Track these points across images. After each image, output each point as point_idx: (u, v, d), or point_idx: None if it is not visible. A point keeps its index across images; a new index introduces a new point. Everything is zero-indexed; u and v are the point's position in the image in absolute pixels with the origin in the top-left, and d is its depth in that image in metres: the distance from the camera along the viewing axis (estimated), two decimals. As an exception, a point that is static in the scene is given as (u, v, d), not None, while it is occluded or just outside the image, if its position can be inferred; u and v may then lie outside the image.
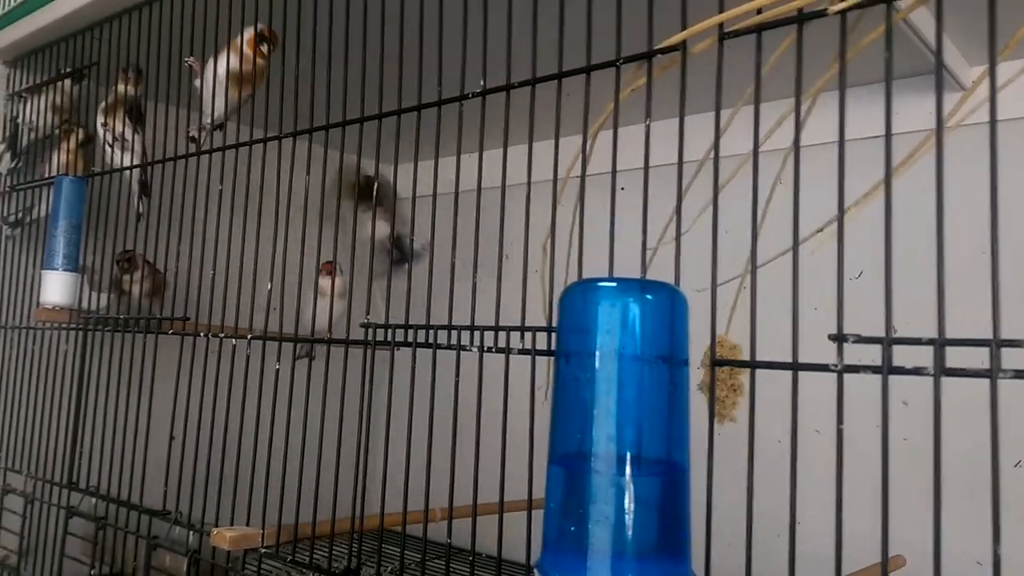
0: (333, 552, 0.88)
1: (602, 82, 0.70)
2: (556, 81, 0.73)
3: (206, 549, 1.00)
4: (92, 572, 1.17)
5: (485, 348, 0.75)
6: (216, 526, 0.93)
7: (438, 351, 0.79)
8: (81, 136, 1.35)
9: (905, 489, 0.77)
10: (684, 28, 0.63)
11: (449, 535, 0.75)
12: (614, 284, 0.56)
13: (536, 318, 0.74)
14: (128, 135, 1.25)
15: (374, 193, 0.96)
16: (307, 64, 0.94)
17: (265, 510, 0.91)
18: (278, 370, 0.93)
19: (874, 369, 0.50)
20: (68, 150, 1.34)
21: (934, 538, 0.47)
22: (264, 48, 1.05)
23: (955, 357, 0.49)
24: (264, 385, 0.94)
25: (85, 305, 1.28)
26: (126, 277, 1.29)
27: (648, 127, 0.64)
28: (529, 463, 0.68)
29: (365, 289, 0.86)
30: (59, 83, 1.38)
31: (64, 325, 1.27)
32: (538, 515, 0.67)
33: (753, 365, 0.57)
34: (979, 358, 0.47)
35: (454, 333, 0.77)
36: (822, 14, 0.55)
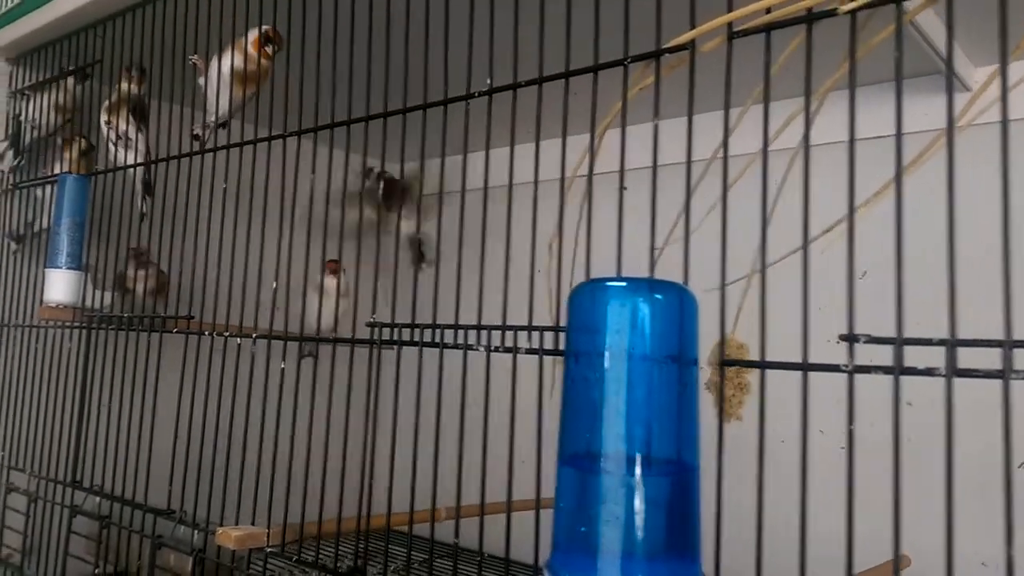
0: (339, 551, 0.88)
1: (609, 81, 0.70)
2: (563, 80, 0.72)
3: (211, 548, 1.00)
4: (96, 571, 1.17)
5: (492, 347, 0.75)
6: (221, 525, 0.93)
7: (444, 350, 0.79)
8: (83, 145, 1.35)
9: (909, 490, 0.76)
10: (692, 27, 0.63)
11: (456, 534, 0.75)
12: (624, 284, 0.56)
13: (541, 317, 0.74)
14: (132, 133, 1.25)
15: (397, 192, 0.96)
16: (312, 62, 0.94)
17: (271, 509, 0.91)
18: (283, 369, 0.93)
19: (886, 370, 0.50)
20: (70, 159, 1.34)
21: (946, 539, 0.46)
22: (269, 49, 1.05)
23: (963, 358, 0.49)
24: (269, 384, 0.94)
25: (89, 303, 1.28)
26: (135, 273, 1.29)
27: (656, 126, 0.64)
28: (537, 463, 0.68)
29: (374, 288, 0.86)
30: (62, 82, 1.38)
31: (68, 323, 1.27)
32: (546, 515, 0.67)
33: (763, 365, 0.57)
34: (985, 358, 0.47)
35: (460, 332, 0.77)
36: (832, 14, 0.55)
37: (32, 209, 1.42)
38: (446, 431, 0.76)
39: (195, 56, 1.11)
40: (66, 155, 1.36)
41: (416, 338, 0.81)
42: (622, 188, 0.67)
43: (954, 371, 0.47)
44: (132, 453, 1.12)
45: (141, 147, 1.26)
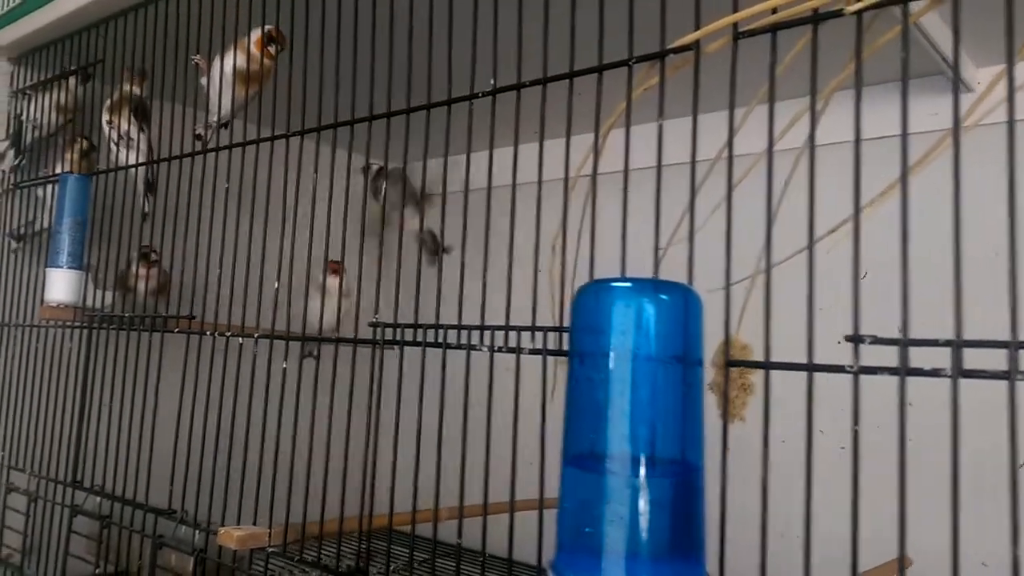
0: (341, 552, 0.88)
1: (613, 81, 0.70)
2: (568, 81, 0.72)
3: (212, 548, 1.00)
4: (97, 571, 1.17)
5: (495, 348, 0.75)
6: (222, 525, 0.93)
7: (447, 350, 0.79)
8: (84, 146, 1.35)
9: (909, 490, 0.76)
10: (698, 27, 0.63)
11: (459, 534, 0.75)
12: (629, 284, 0.56)
13: (544, 318, 0.74)
14: (133, 133, 1.25)
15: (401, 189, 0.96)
16: (316, 61, 0.94)
17: (272, 510, 0.91)
18: (285, 369, 0.93)
19: (891, 371, 0.50)
20: (71, 160, 1.34)
21: (952, 539, 0.46)
22: (272, 49, 1.05)
23: (968, 358, 0.49)
24: (271, 384, 0.94)
25: (90, 303, 1.28)
26: (142, 272, 1.29)
27: (661, 127, 0.64)
28: (540, 463, 0.68)
29: (377, 288, 0.86)
30: (64, 82, 1.38)
31: (68, 323, 1.27)
32: (549, 516, 0.67)
33: (767, 366, 0.57)
34: (989, 360, 0.47)
35: (463, 332, 0.77)
36: (838, 14, 0.55)
37: (33, 209, 1.42)
38: (448, 431, 0.76)
39: (198, 56, 1.10)
40: (67, 155, 1.36)
41: (419, 338, 0.81)
42: (627, 187, 0.67)
43: (960, 372, 0.47)
44: (133, 453, 1.12)
45: (143, 147, 1.26)
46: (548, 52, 0.74)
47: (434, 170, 0.83)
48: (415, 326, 0.81)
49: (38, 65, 1.47)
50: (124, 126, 1.25)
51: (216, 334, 1.03)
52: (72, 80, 1.37)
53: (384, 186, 0.98)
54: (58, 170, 1.35)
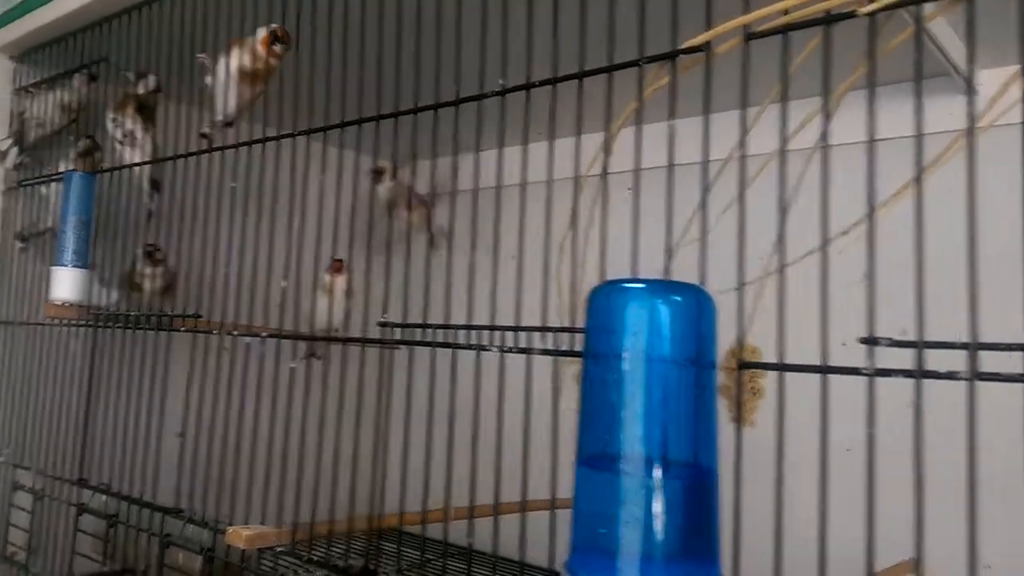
0: (350, 551, 0.88)
1: (623, 81, 0.70)
2: (578, 81, 0.72)
3: (220, 547, 1.00)
4: (104, 569, 1.17)
5: (505, 348, 0.75)
6: (230, 524, 0.93)
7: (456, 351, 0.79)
8: (88, 144, 1.35)
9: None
10: (709, 28, 0.62)
11: (470, 534, 0.75)
12: (642, 285, 0.56)
13: (552, 318, 0.74)
14: (138, 133, 1.25)
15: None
16: (323, 61, 0.93)
17: (281, 509, 0.91)
18: (293, 368, 0.93)
19: (907, 373, 0.50)
20: (73, 159, 1.34)
21: (968, 542, 0.47)
22: (277, 48, 1.04)
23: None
24: (278, 383, 0.94)
25: (95, 301, 1.28)
26: (147, 270, 1.29)
27: (672, 127, 0.64)
28: (552, 464, 0.68)
29: (386, 288, 0.86)
30: (68, 81, 1.38)
31: (73, 321, 1.27)
32: (560, 517, 0.67)
33: (781, 368, 0.57)
34: (997, 362, 0.48)
35: (473, 333, 0.77)
36: (851, 16, 0.55)
37: (37, 209, 1.42)
38: (458, 431, 0.76)
39: (203, 54, 1.10)
40: (71, 154, 1.35)
41: (428, 338, 0.81)
42: (638, 188, 0.67)
43: (976, 375, 0.47)
44: (140, 452, 1.12)
45: (148, 146, 1.26)
46: (558, 52, 0.73)
47: (442, 170, 0.83)
48: (424, 326, 0.82)
49: (40, 63, 1.46)
50: (128, 125, 1.25)
51: (223, 333, 1.03)
52: (76, 79, 1.37)
53: (388, 186, 0.98)
54: (61, 168, 1.35)
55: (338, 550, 0.89)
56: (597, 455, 0.56)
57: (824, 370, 0.54)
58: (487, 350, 0.76)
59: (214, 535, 1.00)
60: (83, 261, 1.26)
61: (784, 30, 0.59)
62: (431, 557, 1.04)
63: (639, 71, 0.67)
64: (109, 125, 1.28)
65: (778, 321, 0.57)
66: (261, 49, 1.05)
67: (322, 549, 0.90)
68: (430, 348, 0.81)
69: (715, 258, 0.63)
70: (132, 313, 1.17)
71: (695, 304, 0.57)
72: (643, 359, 0.55)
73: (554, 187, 0.74)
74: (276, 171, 0.98)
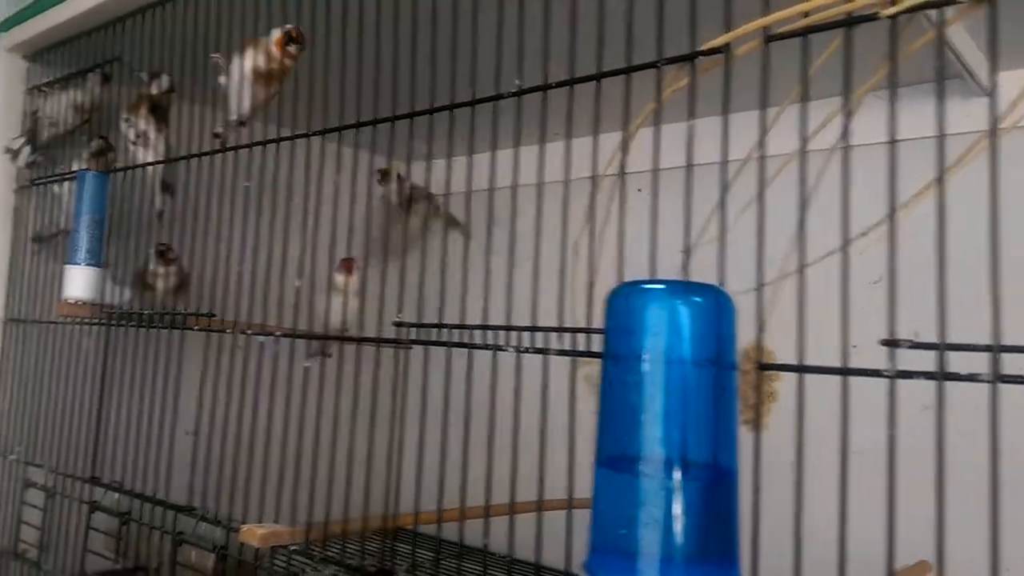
0: (365, 550, 0.88)
1: (640, 82, 0.70)
2: (595, 82, 0.72)
3: (232, 545, 1.00)
4: (116, 567, 1.17)
5: (522, 348, 0.75)
6: (243, 522, 0.93)
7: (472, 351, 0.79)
8: (101, 145, 1.35)
9: (928, 495, 0.77)
10: (728, 29, 0.62)
11: (486, 534, 0.75)
12: (662, 286, 0.57)
13: (567, 318, 0.74)
14: (151, 133, 1.25)
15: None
16: (337, 61, 0.94)
17: (295, 508, 0.91)
18: (307, 367, 0.93)
19: (928, 375, 0.50)
20: (86, 159, 1.35)
21: (990, 544, 0.47)
22: (292, 49, 1.04)
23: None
24: (292, 382, 0.95)
25: (108, 300, 1.28)
26: (160, 270, 1.29)
27: (691, 128, 0.64)
28: (569, 465, 0.68)
29: (400, 287, 0.86)
30: (81, 80, 1.38)
31: (86, 320, 1.28)
32: (577, 519, 0.67)
33: (800, 369, 0.57)
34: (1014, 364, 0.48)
35: (489, 333, 0.77)
36: (873, 18, 0.55)
37: (51, 209, 1.43)
38: (473, 431, 0.76)
39: (217, 54, 1.10)
40: (84, 153, 1.36)
41: (443, 338, 0.81)
42: (656, 188, 0.67)
43: (998, 377, 0.47)
44: (152, 450, 1.13)
45: (160, 147, 1.26)
46: (575, 52, 0.73)
47: (458, 169, 0.83)
48: (439, 326, 0.82)
49: (53, 62, 1.47)
50: (142, 125, 1.25)
51: (236, 332, 1.03)
52: (90, 79, 1.37)
53: (393, 188, 0.98)
54: (74, 168, 1.35)
55: (352, 549, 0.90)
56: (617, 456, 0.56)
57: (845, 372, 0.54)
58: (503, 350, 0.76)
59: (227, 533, 1.00)
60: (96, 260, 1.27)
61: (805, 32, 0.59)
62: (445, 558, 1.04)
63: (657, 72, 0.67)
64: (122, 125, 1.29)
65: (798, 323, 0.57)
66: (276, 50, 1.05)
67: (336, 548, 0.90)
68: (445, 348, 0.81)
69: (731, 259, 0.63)
70: (146, 312, 1.18)
71: (715, 305, 0.57)
72: (663, 360, 0.55)
73: (570, 187, 0.74)
74: (291, 171, 0.99)
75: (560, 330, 0.73)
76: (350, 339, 0.92)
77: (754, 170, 0.63)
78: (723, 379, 0.56)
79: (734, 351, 0.57)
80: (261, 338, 1.00)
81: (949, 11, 0.54)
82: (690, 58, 0.65)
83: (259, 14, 1.05)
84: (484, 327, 0.78)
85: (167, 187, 1.26)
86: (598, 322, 0.67)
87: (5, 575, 1.37)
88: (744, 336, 0.60)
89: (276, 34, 1.05)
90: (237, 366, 1.01)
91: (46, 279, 1.39)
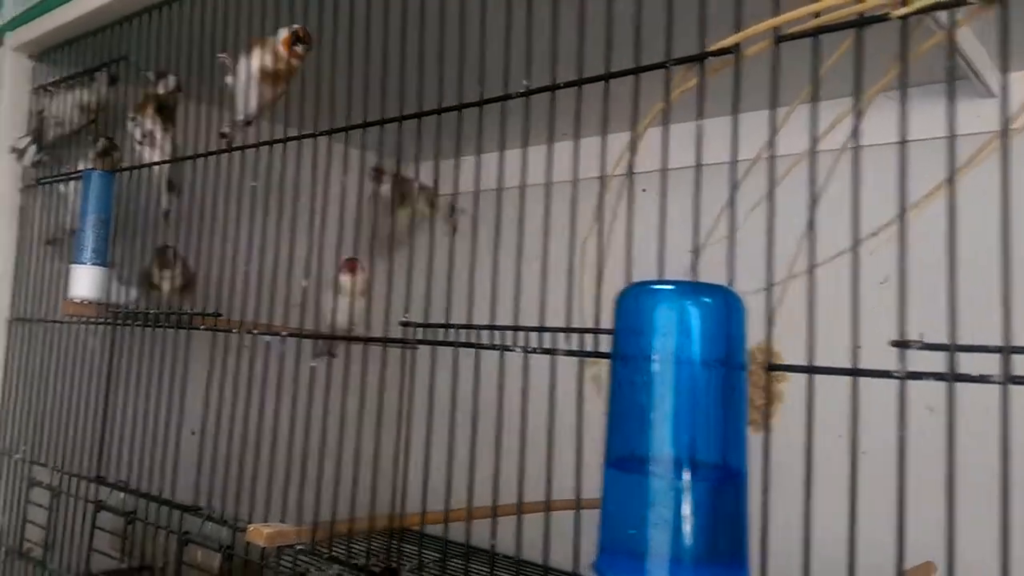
0: (371, 550, 0.88)
1: (648, 82, 0.70)
2: (604, 82, 0.72)
3: (238, 545, 1.00)
4: (121, 566, 1.17)
5: (529, 348, 0.75)
6: (249, 522, 0.93)
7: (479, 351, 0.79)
8: (105, 144, 1.35)
9: (932, 496, 0.77)
10: (738, 30, 0.62)
11: (493, 535, 0.75)
12: (672, 287, 0.57)
13: (574, 318, 0.74)
14: (157, 133, 1.25)
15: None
16: (345, 61, 0.94)
17: (301, 508, 0.91)
18: (314, 367, 0.93)
19: (938, 376, 0.50)
20: (92, 159, 1.35)
21: (1001, 549, 0.46)
22: (299, 49, 1.05)
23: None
24: (297, 381, 0.95)
25: (114, 299, 1.28)
26: (156, 271, 1.29)
27: (700, 127, 0.64)
28: (576, 465, 0.68)
29: (408, 287, 0.86)
30: (87, 80, 1.38)
31: (92, 319, 1.28)
32: (584, 520, 0.67)
33: (810, 370, 0.57)
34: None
35: (497, 333, 0.77)
36: (884, 19, 0.55)
37: (55, 207, 1.43)
38: (480, 431, 0.76)
39: (224, 54, 1.10)
40: (90, 153, 1.36)
41: (451, 338, 0.81)
42: (665, 188, 0.67)
43: (1010, 378, 0.47)
44: (158, 449, 1.13)
45: (167, 147, 1.26)
46: (584, 53, 0.73)
47: (466, 169, 0.82)
48: (447, 326, 0.82)
49: (59, 62, 1.47)
50: (148, 125, 1.26)
51: (243, 332, 1.03)
52: (97, 78, 1.37)
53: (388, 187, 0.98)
54: (80, 167, 1.35)
55: (358, 549, 0.90)
56: (626, 457, 0.56)
57: (855, 373, 0.54)
58: (510, 350, 0.76)
59: (233, 533, 1.01)
60: (102, 259, 1.27)
61: (816, 33, 0.59)
62: (452, 558, 1.04)
63: (666, 73, 0.67)
64: (129, 125, 1.29)
65: (808, 323, 0.56)
66: (283, 49, 1.05)
67: (342, 548, 0.90)
68: (452, 348, 0.81)
69: (738, 259, 0.63)
70: (151, 311, 1.18)
71: (724, 305, 0.57)
72: (672, 361, 0.55)
73: (579, 187, 0.74)
74: (297, 171, 0.99)
75: (568, 330, 0.73)
76: (357, 339, 0.92)
77: (761, 171, 0.63)
78: (732, 379, 0.56)
79: (744, 351, 0.57)
80: (267, 338, 1.00)
81: (960, 12, 0.54)
82: (699, 59, 0.65)
83: (266, 14, 1.05)
84: (491, 327, 0.78)
85: (173, 187, 1.26)
86: (606, 322, 0.67)
87: (10, 574, 1.37)
88: (751, 337, 0.60)
89: (283, 34, 1.05)
90: (243, 366, 1.01)
91: (52, 278, 1.39)
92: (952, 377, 0.50)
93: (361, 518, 0.89)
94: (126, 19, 1.29)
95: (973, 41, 0.99)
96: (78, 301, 1.26)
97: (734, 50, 0.63)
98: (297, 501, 0.92)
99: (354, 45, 0.93)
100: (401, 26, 0.88)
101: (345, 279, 1.32)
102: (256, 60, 1.07)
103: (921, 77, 1.06)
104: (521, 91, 0.78)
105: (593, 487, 0.61)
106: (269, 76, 1.06)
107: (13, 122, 1.48)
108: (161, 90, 1.27)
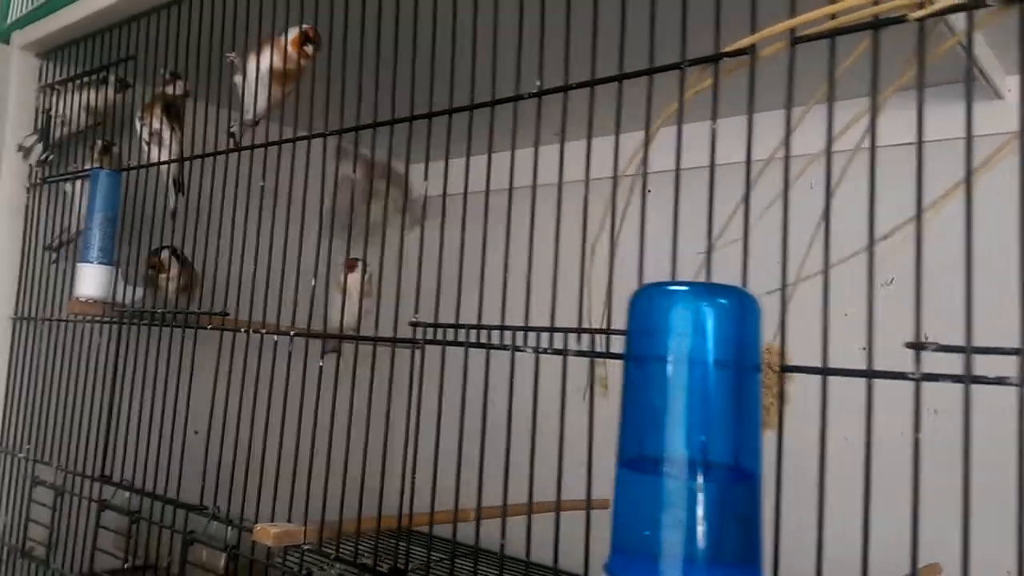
0: (378, 549, 0.88)
1: (662, 82, 0.70)
2: (617, 83, 0.72)
3: (244, 544, 1.00)
4: (125, 566, 1.17)
5: (540, 349, 0.75)
6: (255, 522, 0.93)
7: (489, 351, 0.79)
8: (102, 143, 1.35)
9: (937, 498, 0.76)
10: (753, 30, 0.62)
11: (503, 535, 0.75)
12: (686, 288, 0.56)
13: (584, 318, 0.74)
14: (165, 133, 1.25)
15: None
16: (355, 61, 0.93)
17: (307, 507, 0.91)
18: (321, 367, 0.93)
19: (955, 378, 0.50)
20: (92, 158, 1.35)
21: (1017, 551, 0.46)
22: (308, 49, 1.05)
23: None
24: (305, 381, 0.94)
25: (120, 298, 1.28)
26: (151, 273, 1.29)
27: (714, 131, 0.64)
28: (588, 466, 0.68)
29: (417, 287, 0.86)
30: (94, 79, 1.38)
31: (98, 318, 1.28)
32: (595, 522, 0.67)
33: (824, 372, 0.57)
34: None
35: (507, 333, 0.77)
36: (901, 20, 0.55)
37: (61, 206, 1.43)
38: (490, 432, 0.76)
39: (233, 53, 1.11)
40: (93, 153, 1.36)
41: (461, 338, 0.81)
42: (678, 189, 0.67)
43: (1027, 380, 0.47)
44: (164, 449, 1.13)
45: (174, 147, 1.26)
46: (596, 53, 0.73)
47: (476, 169, 0.82)
48: (456, 326, 0.81)
49: (66, 61, 1.47)
50: (155, 125, 1.26)
51: (250, 331, 1.03)
52: (104, 82, 1.37)
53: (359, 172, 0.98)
54: (86, 167, 1.35)
55: (365, 549, 0.89)
56: (639, 457, 0.56)
57: (869, 375, 0.54)
58: (521, 351, 0.76)
59: (239, 532, 1.00)
60: (108, 258, 1.27)
61: (832, 34, 0.59)
62: (460, 559, 1.04)
63: (681, 73, 0.67)
64: (136, 124, 1.29)
65: (823, 324, 0.56)
66: (292, 49, 1.05)
67: (349, 548, 0.90)
68: (462, 348, 0.81)
69: (749, 260, 0.63)
70: (157, 311, 1.18)
71: (739, 307, 0.56)
72: (687, 362, 0.55)
73: (590, 187, 0.74)
74: (306, 171, 0.99)
75: (579, 331, 0.72)
76: (365, 339, 0.92)
77: (774, 171, 0.63)
78: (747, 381, 0.56)
79: (758, 353, 0.57)
80: (274, 338, 0.99)
81: (978, 14, 0.54)
82: (714, 59, 0.65)
83: (276, 14, 1.05)
84: (501, 327, 0.77)
85: (180, 186, 1.26)
86: (617, 323, 0.67)
87: (13, 573, 1.37)
88: (766, 339, 0.60)
89: (293, 33, 1.05)
90: (250, 365, 1.01)
91: (58, 277, 1.39)
92: (969, 379, 0.49)
93: (368, 518, 0.89)
94: (133, 19, 1.29)
95: (981, 43, 0.99)
96: (84, 300, 1.26)
97: (750, 51, 0.63)
98: (303, 501, 0.91)
99: (364, 45, 0.93)
100: (413, 26, 0.88)
101: (348, 279, 1.32)
102: (266, 60, 1.07)
103: (928, 79, 1.06)
104: (533, 92, 0.78)
105: (604, 488, 0.61)
106: (278, 76, 1.06)
107: (19, 120, 1.48)
108: (170, 91, 1.27)
